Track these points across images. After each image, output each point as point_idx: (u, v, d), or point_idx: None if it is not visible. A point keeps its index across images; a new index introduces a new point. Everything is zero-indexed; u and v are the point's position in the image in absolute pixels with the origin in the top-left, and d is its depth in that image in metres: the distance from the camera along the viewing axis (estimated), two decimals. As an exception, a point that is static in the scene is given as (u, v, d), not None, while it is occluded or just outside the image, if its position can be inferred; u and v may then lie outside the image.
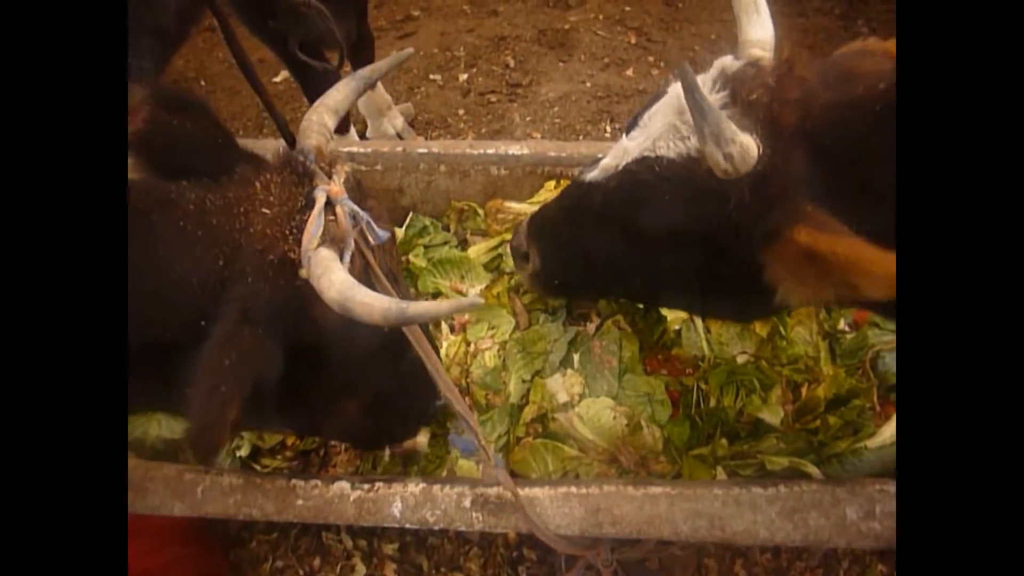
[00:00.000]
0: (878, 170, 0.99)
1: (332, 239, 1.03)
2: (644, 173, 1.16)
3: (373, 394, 1.36)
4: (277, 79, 3.54)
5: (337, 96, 1.23)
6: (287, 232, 1.03)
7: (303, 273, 1.00)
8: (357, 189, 1.16)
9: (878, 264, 0.91)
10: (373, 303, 0.92)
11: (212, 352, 0.95)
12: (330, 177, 1.10)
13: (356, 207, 1.08)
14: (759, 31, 1.18)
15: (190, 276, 1.00)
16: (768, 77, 1.08)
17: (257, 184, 1.07)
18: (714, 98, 1.08)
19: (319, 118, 1.18)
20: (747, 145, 1.00)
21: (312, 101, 2.75)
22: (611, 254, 1.34)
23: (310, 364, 1.10)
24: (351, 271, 1.02)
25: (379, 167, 2.12)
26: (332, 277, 0.96)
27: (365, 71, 1.27)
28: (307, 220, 1.02)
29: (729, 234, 1.09)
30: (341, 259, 1.03)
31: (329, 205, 1.06)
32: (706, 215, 1.10)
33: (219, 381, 0.94)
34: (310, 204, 1.04)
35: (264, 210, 1.04)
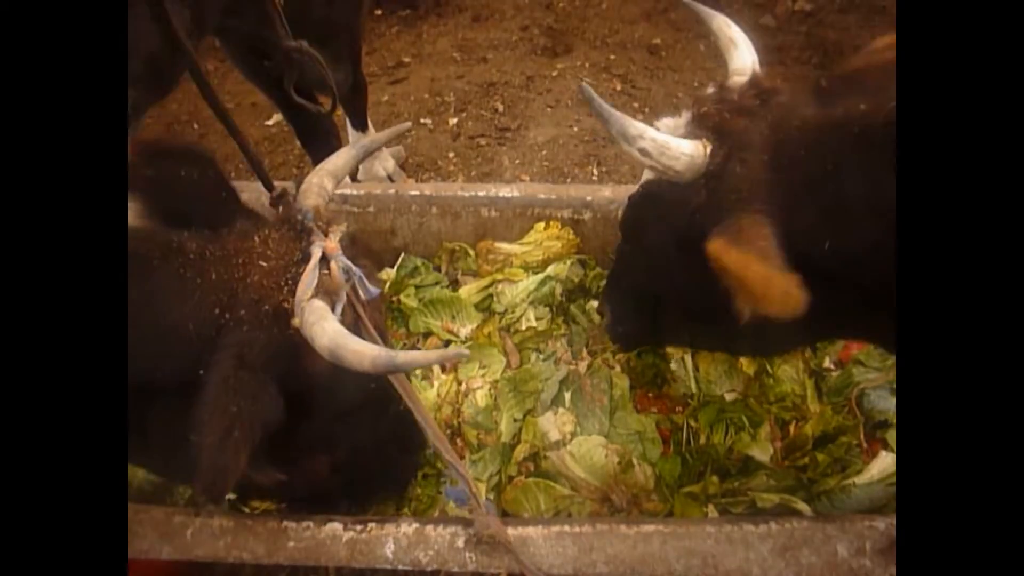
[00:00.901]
0: (850, 189, 1.01)
1: (326, 292, 1.08)
2: (635, 198, 1.33)
3: (350, 451, 1.38)
4: (270, 122, 3.60)
5: (338, 161, 1.30)
6: (283, 284, 1.08)
7: (296, 322, 1.04)
8: (352, 247, 1.21)
9: (762, 283, 0.97)
10: (364, 351, 0.96)
11: (218, 398, 0.97)
12: (327, 235, 1.16)
13: (350, 263, 1.12)
14: (739, 61, 1.28)
15: (187, 322, 1.03)
16: (732, 94, 1.17)
17: (256, 238, 1.12)
18: (682, 119, 1.21)
19: (319, 181, 1.25)
20: (664, 141, 1.11)
21: (304, 144, 2.81)
22: (642, 284, 1.44)
23: (294, 415, 1.12)
24: (342, 323, 1.05)
25: (371, 209, 2.16)
26: (325, 326, 1.00)
27: (366, 140, 1.36)
28: (303, 273, 1.07)
29: (697, 242, 1.12)
30: (333, 311, 1.07)
31: (324, 260, 1.11)
32: (677, 222, 1.19)
33: (231, 426, 0.96)
34: (306, 258, 1.09)
35: (261, 263, 1.08)
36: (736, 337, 1.43)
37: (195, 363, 1.02)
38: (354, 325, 1.14)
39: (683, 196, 1.18)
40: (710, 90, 1.24)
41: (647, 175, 1.30)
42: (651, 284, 1.43)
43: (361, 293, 1.16)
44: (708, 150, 1.14)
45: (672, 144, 1.13)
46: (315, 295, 1.06)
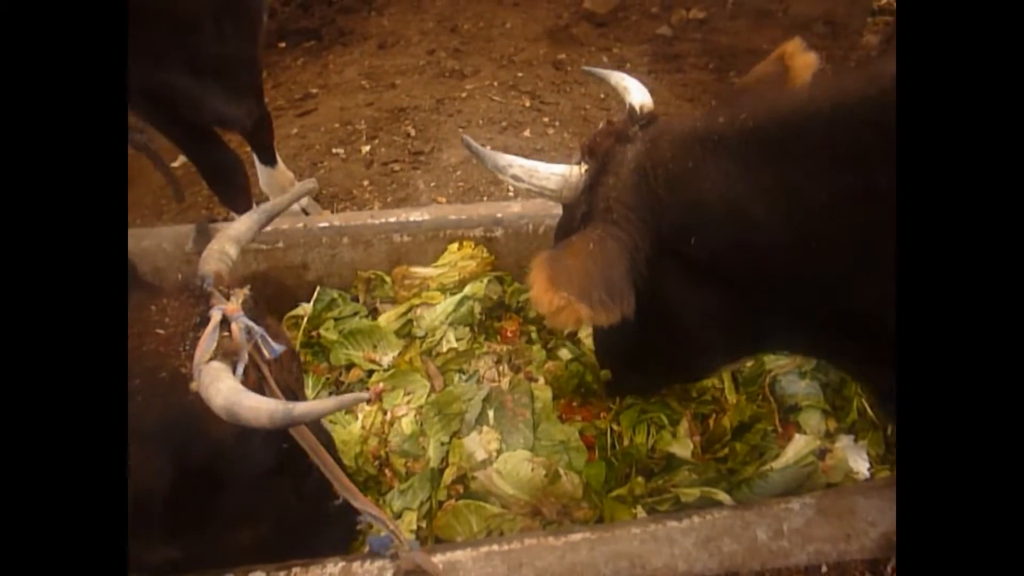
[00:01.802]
0: (704, 186, 1.09)
1: (226, 354, 1.06)
2: (555, 231, 1.46)
3: (273, 522, 1.34)
4: (175, 164, 3.49)
5: (240, 227, 1.29)
6: (180, 349, 1.05)
7: (194, 386, 1.01)
8: (255, 308, 1.19)
9: (535, 294, 1.07)
10: (260, 406, 0.94)
11: None
12: (228, 299, 1.14)
13: (251, 322, 1.10)
14: (635, 102, 1.40)
15: None
16: (614, 125, 1.28)
17: (152, 307, 1.09)
18: None
19: (220, 247, 1.24)
20: (531, 167, 1.28)
21: (211, 185, 2.73)
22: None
23: (202, 486, 1.09)
24: (245, 383, 1.03)
25: (280, 244, 2.12)
26: (220, 385, 0.98)
27: (268, 206, 1.36)
28: (192, 341, 1.05)
29: None
30: (234, 372, 1.04)
31: (225, 322, 1.09)
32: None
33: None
34: (205, 322, 1.08)
35: (158, 330, 1.06)
36: (665, 364, 1.50)
37: None
38: (258, 385, 1.12)
39: (572, 215, 1.29)
40: (599, 126, 1.36)
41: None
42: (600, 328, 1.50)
43: (265, 352, 1.14)
44: (583, 169, 1.26)
45: (540, 168, 1.26)
46: (214, 357, 1.04)
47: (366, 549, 1.49)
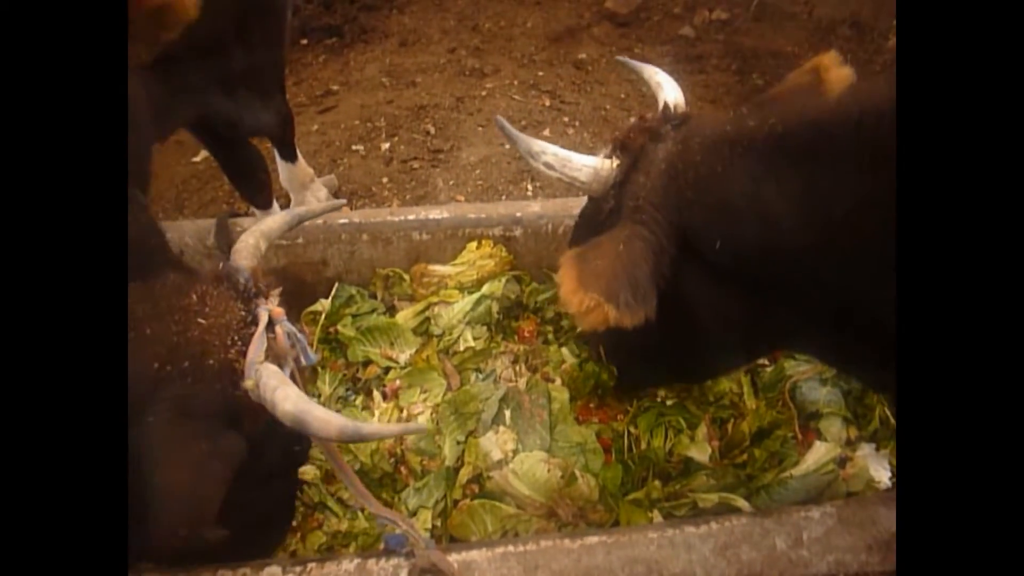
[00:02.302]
0: (739, 192, 1.09)
1: (274, 356, 1.09)
2: (576, 222, 1.47)
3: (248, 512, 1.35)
4: (197, 159, 3.53)
5: (273, 225, 1.31)
6: (228, 343, 1.07)
7: (248, 384, 1.04)
8: (287, 311, 1.21)
9: (563, 295, 1.08)
10: (330, 419, 0.97)
11: (176, 439, 0.97)
12: (267, 298, 1.16)
13: (294, 329, 1.14)
14: (667, 100, 1.40)
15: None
16: (647, 122, 1.28)
17: (192, 295, 1.10)
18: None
19: (255, 241, 1.25)
20: (564, 156, 1.26)
21: (232, 180, 2.75)
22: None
23: (224, 473, 1.08)
24: None
25: (301, 240, 2.13)
26: (288, 391, 1.00)
27: (302, 210, 1.38)
28: (251, 335, 1.08)
29: None
30: None
31: (270, 324, 1.11)
32: (594, 231, 1.27)
33: (201, 460, 0.97)
34: (253, 320, 1.10)
35: (200, 320, 1.07)
36: (678, 363, 1.49)
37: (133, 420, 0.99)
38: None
39: (599, 208, 1.29)
40: (631, 121, 1.35)
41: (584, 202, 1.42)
42: None
43: (302, 359, 1.16)
44: (615, 164, 1.25)
45: (574, 158, 1.25)
46: (266, 359, 1.07)
47: (382, 547, 1.51)
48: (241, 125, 2.11)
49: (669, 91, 1.43)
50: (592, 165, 1.25)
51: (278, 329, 1.11)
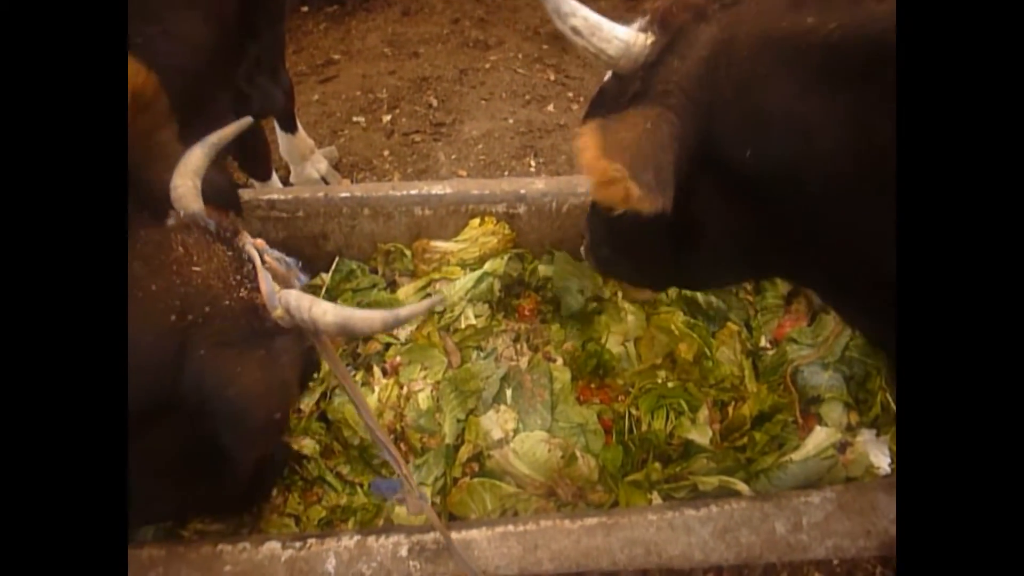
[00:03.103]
0: (777, 98, 1.01)
1: (283, 283, 1.12)
2: (592, 98, 1.31)
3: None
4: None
5: (196, 163, 1.23)
6: (232, 283, 1.08)
7: (277, 314, 1.07)
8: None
9: (587, 167, 0.99)
10: (372, 316, 1.04)
11: (239, 368, 1.01)
12: (239, 232, 1.15)
13: (281, 254, 1.16)
14: None
15: (145, 338, 0.99)
16: None
17: (178, 247, 1.09)
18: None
19: (192, 183, 1.18)
20: (596, 21, 1.11)
21: (230, 150, 2.70)
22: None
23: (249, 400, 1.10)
24: None
25: (300, 213, 2.10)
26: (323, 305, 1.04)
27: (212, 137, 1.28)
28: (249, 272, 1.10)
29: None
30: None
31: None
32: (614, 110, 1.16)
33: (269, 381, 1.02)
34: (241, 258, 1.11)
35: (195, 268, 1.07)
36: (677, 263, 1.41)
37: (171, 375, 1.02)
38: None
39: (623, 88, 1.17)
40: None
41: (606, 77, 1.28)
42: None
43: (300, 280, 1.20)
44: (649, 41, 1.12)
45: (606, 26, 1.11)
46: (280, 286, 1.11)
47: (369, 485, 1.50)
48: (251, 105, 2.06)
49: None
50: (624, 38, 1.11)
51: (267, 258, 1.13)
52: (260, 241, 1.16)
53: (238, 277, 1.08)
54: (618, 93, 1.19)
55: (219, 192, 1.33)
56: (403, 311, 1.03)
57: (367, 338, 2.05)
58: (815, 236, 1.10)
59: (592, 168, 0.99)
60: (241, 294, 1.07)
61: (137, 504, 1.16)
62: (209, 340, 1.03)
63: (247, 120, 1.31)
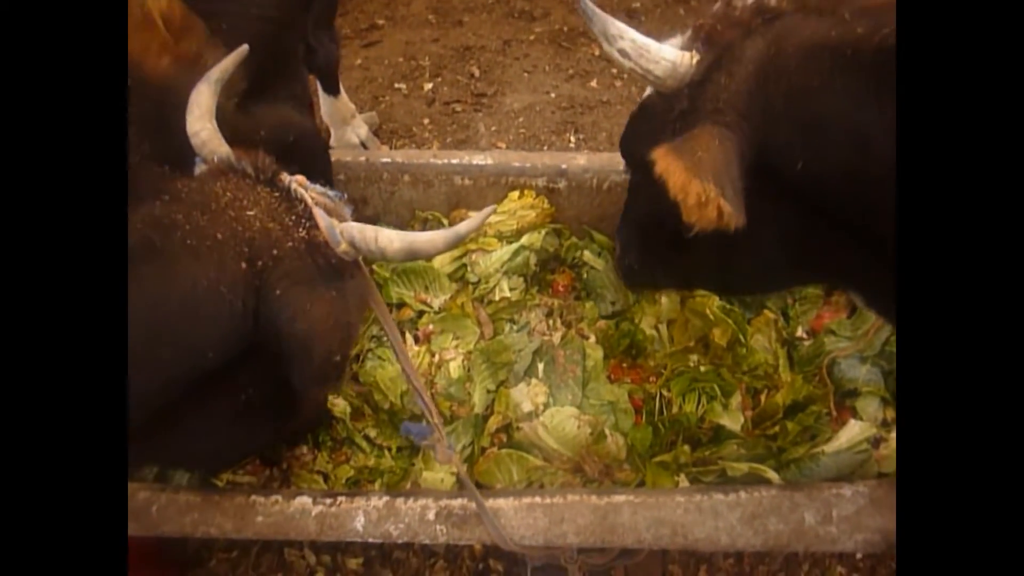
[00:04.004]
0: (830, 108, 1.01)
1: (337, 216, 1.15)
2: (634, 113, 1.32)
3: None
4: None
5: (205, 101, 1.20)
6: (289, 223, 1.10)
7: (342, 248, 1.10)
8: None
9: (680, 190, 0.99)
10: (434, 237, 1.10)
11: (309, 301, 1.04)
12: (278, 171, 1.16)
13: (324, 188, 1.19)
14: None
15: (218, 287, 1.00)
16: (735, 11, 1.15)
17: (226, 192, 1.09)
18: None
19: (212, 127, 1.17)
20: (643, 43, 1.12)
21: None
22: (644, 213, 1.44)
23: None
24: None
25: (341, 177, 2.10)
26: (387, 233, 1.10)
27: (214, 73, 1.24)
28: (299, 210, 1.12)
29: None
30: None
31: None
32: (662, 135, 1.16)
33: (338, 311, 1.06)
34: (293, 196, 1.13)
35: (248, 212, 1.08)
36: (721, 271, 1.41)
37: (251, 320, 1.04)
38: None
39: (669, 106, 1.18)
40: (716, 6, 1.22)
41: (647, 92, 1.29)
42: (649, 211, 1.42)
43: (349, 211, 1.24)
44: (695, 60, 1.13)
45: (653, 47, 1.12)
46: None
47: (402, 430, 1.53)
48: (316, 58, 2.07)
49: None
50: (671, 59, 1.12)
51: (314, 194, 1.15)
52: (301, 177, 1.17)
53: (293, 217, 1.10)
54: (664, 111, 1.19)
55: (302, 137, 1.34)
56: (462, 227, 1.09)
57: (400, 304, 2.06)
58: (869, 242, 1.08)
59: (685, 190, 0.98)
60: (301, 233, 1.09)
61: (219, 449, 1.19)
62: (283, 281, 1.04)
63: (244, 48, 1.26)
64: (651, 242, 1.51)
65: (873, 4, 1.04)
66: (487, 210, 1.12)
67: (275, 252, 1.05)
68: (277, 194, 1.12)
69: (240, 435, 1.36)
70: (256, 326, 1.04)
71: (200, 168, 1.18)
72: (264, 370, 1.10)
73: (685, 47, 1.16)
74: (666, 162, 1.00)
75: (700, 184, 0.97)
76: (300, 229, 1.09)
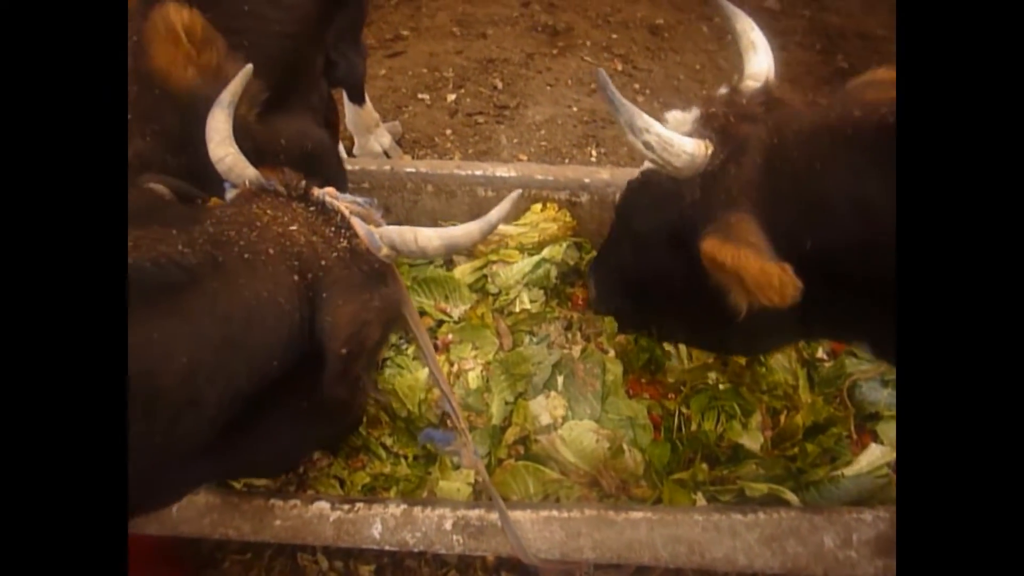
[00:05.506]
0: (836, 187, 1.05)
1: (371, 222, 1.19)
2: (634, 183, 1.37)
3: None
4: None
5: (222, 126, 1.22)
6: (329, 234, 1.14)
7: (383, 252, 1.15)
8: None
9: (758, 274, 1.02)
10: (470, 228, 1.15)
11: (351, 298, 1.07)
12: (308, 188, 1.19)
13: (355, 197, 1.22)
14: (755, 66, 1.30)
15: (276, 300, 1.03)
16: (742, 98, 1.20)
17: (265, 210, 1.12)
18: (691, 115, 1.24)
19: (235, 150, 1.19)
20: (667, 137, 1.15)
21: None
22: (629, 267, 1.48)
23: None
24: None
25: (366, 185, 2.13)
26: (425, 232, 1.15)
27: (225, 96, 1.25)
28: (336, 223, 1.15)
29: (688, 237, 1.17)
30: None
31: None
32: (668, 215, 1.24)
33: (351, 328, 1.07)
34: (326, 207, 1.16)
35: (292, 227, 1.11)
36: (723, 334, 1.45)
37: (308, 328, 1.07)
38: None
39: (678, 191, 1.22)
40: (722, 91, 1.27)
41: (648, 163, 1.32)
42: (638, 269, 1.45)
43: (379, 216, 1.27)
44: (709, 151, 1.17)
45: (676, 142, 1.15)
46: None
47: (421, 437, 1.53)
48: (336, 72, 2.10)
49: (761, 57, 1.30)
50: (690, 152, 1.16)
51: (346, 205, 1.18)
52: (331, 189, 1.20)
53: (332, 228, 1.13)
54: (672, 194, 1.22)
55: (317, 146, 1.36)
56: (493, 215, 1.14)
57: (420, 313, 2.07)
58: (878, 300, 1.10)
59: (763, 273, 1.02)
60: (342, 243, 1.12)
61: (274, 459, 1.20)
62: (332, 288, 1.08)
63: (248, 69, 1.27)
64: (630, 292, 1.55)
65: (872, 98, 1.09)
66: (514, 194, 1.15)
67: (323, 263, 1.08)
68: (312, 208, 1.15)
69: (292, 444, 1.38)
70: (312, 335, 1.07)
71: (231, 192, 1.20)
72: (315, 380, 1.11)
73: (696, 132, 1.19)
74: (729, 251, 1.04)
75: (776, 267, 1.01)
76: (341, 239, 1.12)
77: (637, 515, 1.40)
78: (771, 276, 1.02)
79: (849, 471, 1.60)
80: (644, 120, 1.15)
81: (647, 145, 1.16)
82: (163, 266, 0.89)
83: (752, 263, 1.02)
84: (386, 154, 3.05)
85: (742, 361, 1.88)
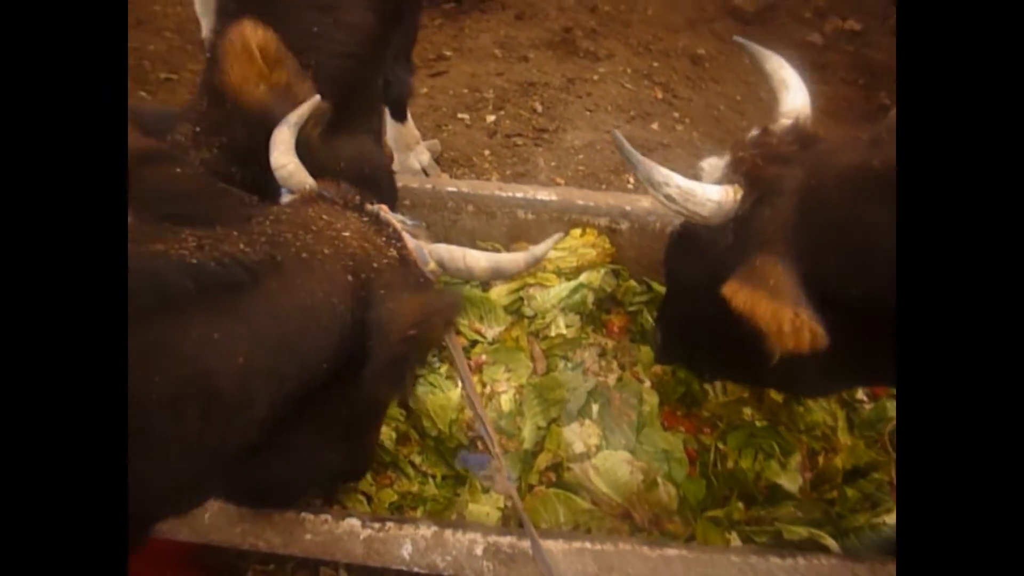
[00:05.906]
0: (878, 233, 1.01)
1: (420, 237, 1.23)
2: (675, 234, 1.41)
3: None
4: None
5: (286, 140, 1.26)
6: (380, 243, 1.17)
7: (431, 267, 1.19)
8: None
9: (771, 319, 1.00)
10: (516, 257, 1.21)
11: (376, 307, 1.07)
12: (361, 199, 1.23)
13: (401, 216, 1.26)
14: (788, 104, 1.29)
15: (330, 299, 1.04)
16: (773, 139, 1.18)
17: (321, 216, 1.14)
18: (723, 161, 1.25)
19: (296, 161, 1.24)
20: (688, 188, 1.15)
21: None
22: (685, 315, 1.50)
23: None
24: None
25: (407, 202, 2.14)
26: (475, 253, 1.20)
27: (292, 116, 1.30)
28: (386, 233, 1.19)
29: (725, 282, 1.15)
30: None
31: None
32: (709, 262, 1.23)
33: (391, 325, 1.06)
34: (381, 220, 1.20)
35: (345, 234, 1.13)
36: (768, 377, 1.43)
37: (357, 329, 1.07)
38: None
39: (714, 237, 1.21)
40: (753, 133, 1.26)
41: (676, 223, 1.34)
42: (692, 317, 1.46)
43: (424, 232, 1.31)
44: (738, 196, 1.16)
45: (698, 191, 1.15)
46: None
47: (459, 461, 1.50)
48: (390, 90, 2.14)
49: (795, 94, 1.29)
50: (717, 200, 1.15)
51: (392, 219, 1.22)
52: (384, 206, 1.24)
53: (383, 238, 1.16)
54: (708, 242, 1.23)
55: (375, 170, 1.38)
56: (538, 249, 1.20)
57: (455, 332, 2.07)
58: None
59: (777, 318, 1.00)
60: (392, 252, 1.14)
61: (291, 480, 1.21)
62: (389, 285, 1.10)
63: (316, 98, 1.32)
64: (689, 339, 1.55)
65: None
66: (556, 236, 1.21)
67: (375, 265, 1.10)
68: (365, 219, 1.17)
69: (302, 470, 1.36)
70: (358, 337, 1.06)
71: (287, 198, 1.22)
72: (353, 389, 1.10)
73: (725, 179, 1.18)
74: (744, 296, 1.03)
75: (790, 311, 0.99)
76: (391, 249, 1.15)
77: (672, 552, 1.36)
78: (783, 321, 1.00)
79: (891, 519, 1.55)
80: (662, 174, 1.15)
81: (668, 198, 1.15)
82: (227, 266, 0.90)
83: (764, 307, 1.01)
84: (424, 171, 3.07)
85: (779, 398, 1.85)
